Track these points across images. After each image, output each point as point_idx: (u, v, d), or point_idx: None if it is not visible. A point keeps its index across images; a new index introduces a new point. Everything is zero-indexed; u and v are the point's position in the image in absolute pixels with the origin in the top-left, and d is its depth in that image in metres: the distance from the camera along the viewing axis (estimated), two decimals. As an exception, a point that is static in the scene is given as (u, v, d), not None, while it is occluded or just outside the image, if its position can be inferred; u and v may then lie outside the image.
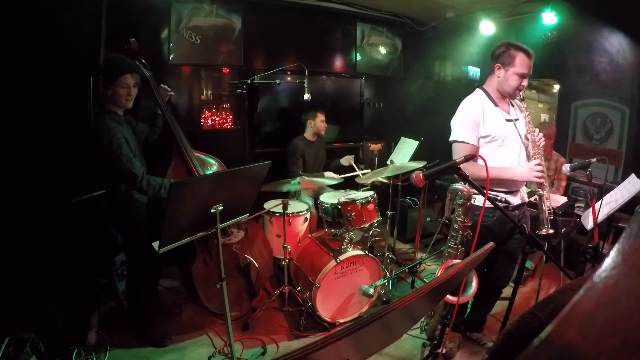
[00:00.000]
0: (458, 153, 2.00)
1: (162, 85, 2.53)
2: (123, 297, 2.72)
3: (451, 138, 2.06)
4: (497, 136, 1.99)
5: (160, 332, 2.49)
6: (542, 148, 1.96)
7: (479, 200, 1.86)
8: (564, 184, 3.41)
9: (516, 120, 2.05)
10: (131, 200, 2.22)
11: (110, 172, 2.20)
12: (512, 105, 2.10)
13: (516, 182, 2.01)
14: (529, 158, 2.03)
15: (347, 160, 3.69)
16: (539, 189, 1.90)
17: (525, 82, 1.98)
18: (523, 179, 1.96)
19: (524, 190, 2.12)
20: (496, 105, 2.03)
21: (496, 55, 2.02)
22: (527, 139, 2.01)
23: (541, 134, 1.99)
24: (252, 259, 2.57)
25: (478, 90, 2.10)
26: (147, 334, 2.45)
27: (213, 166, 2.57)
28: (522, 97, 2.02)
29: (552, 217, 1.90)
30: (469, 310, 2.42)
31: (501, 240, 2.05)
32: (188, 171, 2.39)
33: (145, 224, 2.28)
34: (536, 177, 1.88)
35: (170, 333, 2.53)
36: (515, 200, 2.05)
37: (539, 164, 1.89)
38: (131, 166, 2.07)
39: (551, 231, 1.86)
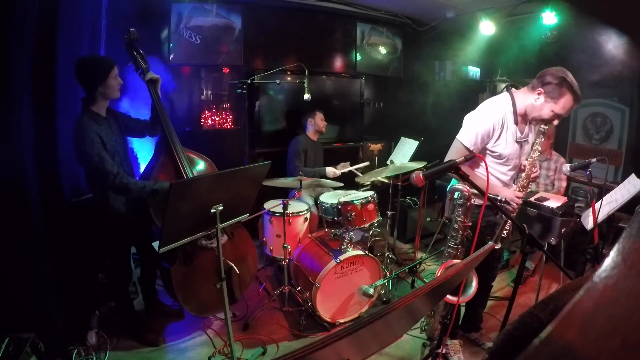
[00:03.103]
0: (454, 152, 1.96)
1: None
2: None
3: (458, 135, 1.97)
4: (504, 156, 1.98)
5: (155, 332, 2.49)
6: (530, 182, 2.00)
7: (478, 200, 1.87)
8: (564, 184, 3.38)
9: (525, 141, 2.02)
10: (109, 201, 2.19)
11: (87, 171, 2.21)
12: (530, 128, 2.03)
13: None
14: (517, 183, 2.04)
15: (343, 166, 3.69)
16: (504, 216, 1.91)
17: (556, 122, 1.89)
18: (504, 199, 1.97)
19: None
20: (516, 123, 1.94)
21: (546, 81, 1.82)
22: (523, 167, 2.02)
23: (538, 171, 2.01)
24: (233, 265, 2.46)
25: (506, 97, 1.96)
26: (141, 333, 2.46)
27: (199, 164, 2.49)
28: (543, 130, 1.91)
29: (504, 235, 1.88)
30: (462, 312, 2.42)
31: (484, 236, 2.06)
32: (176, 170, 2.32)
33: (124, 225, 2.26)
34: (515, 205, 1.93)
35: (169, 333, 2.53)
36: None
37: (521, 195, 1.95)
38: (102, 164, 2.03)
39: (497, 246, 1.84)
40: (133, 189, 2.09)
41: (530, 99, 1.89)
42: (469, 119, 1.97)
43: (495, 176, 2.04)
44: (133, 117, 2.44)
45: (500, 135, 1.92)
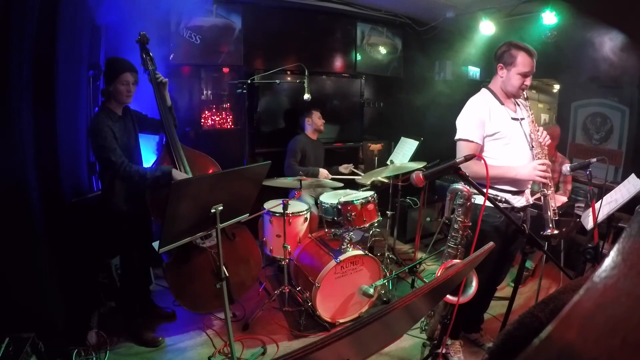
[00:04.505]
0: (462, 151, 2.00)
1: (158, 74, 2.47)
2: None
3: (456, 137, 2.04)
4: (504, 134, 1.98)
5: (154, 332, 2.49)
6: (546, 148, 1.95)
7: (479, 200, 1.86)
8: (569, 187, 3.30)
9: (522, 119, 2.03)
10: (113, 196, 2.27)
11: (99, 162, 2.34)
12: (518, 105, 2.08)
13: (520, 182, 1.99)
14: (534, 158, 2.01)
15: (346, 168, 3.70)
16: (544, 189, 1.88)
17: (528, 81, 1.96)
18: (526, 178, 1.94)
19: (528, 192, 2.09)
20: (502, 104, 2.02)
21: (498, 56, 2.02)
22: (531, 138, 1.98)
23: (545, 133, 1.97)
24: (223, 266, 2.47)
25: (484, 90, 2.10)
26: (139, 334, 2.46)
27: (205, 165, 2.54)
28: (525, 96, 1.99)
29: (556, 218, 1.88)
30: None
31: (507, 240, 2.04)
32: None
33: (126, 217, 2.31)
34: (539, 176, 1.86)
35: (169, 333, 2.53)
36: (519, 201, 2.03)
37: (542, 164, 1.87)
38: (111, 155, 2.15)
39: (556, 232, 1.84)
40: (134, 176, 2.18)
41: (499, 80, 2.04)
42: (460, 119, 2.06)
43: (505, 163, 2.01)
44: (150, 116, 2.54)
45: (491, 115, 1.99)
